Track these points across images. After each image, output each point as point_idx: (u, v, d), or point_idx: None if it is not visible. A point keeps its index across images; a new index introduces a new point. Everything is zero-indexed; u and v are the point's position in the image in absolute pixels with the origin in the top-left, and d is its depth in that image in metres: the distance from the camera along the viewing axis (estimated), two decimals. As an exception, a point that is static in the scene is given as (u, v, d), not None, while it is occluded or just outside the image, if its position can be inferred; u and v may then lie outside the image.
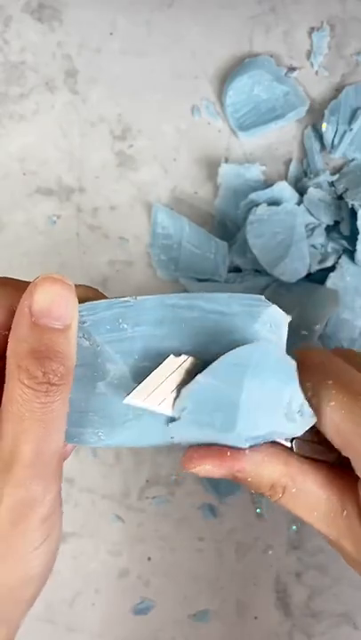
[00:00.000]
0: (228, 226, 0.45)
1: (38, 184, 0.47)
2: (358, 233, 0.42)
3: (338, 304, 0.42)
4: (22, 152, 0.47)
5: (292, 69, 0.46)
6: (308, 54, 0.47)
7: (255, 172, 0.46)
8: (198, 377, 0.25)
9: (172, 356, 0.26)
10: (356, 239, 0.42)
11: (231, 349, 0.26)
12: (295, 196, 0.44)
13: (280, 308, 0.27)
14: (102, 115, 0.47)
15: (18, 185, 0.47)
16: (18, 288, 0.26)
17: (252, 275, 0.44)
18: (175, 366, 0.26)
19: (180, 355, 0.26)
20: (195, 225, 0.45)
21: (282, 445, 0.28)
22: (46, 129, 0.47)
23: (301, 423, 0.27)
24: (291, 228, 0.43)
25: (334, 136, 0.45)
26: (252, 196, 0.44)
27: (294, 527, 0.44)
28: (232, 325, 0.26)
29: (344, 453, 0.27)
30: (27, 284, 0.25)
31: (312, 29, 0.47)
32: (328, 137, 0.45)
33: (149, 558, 0.44)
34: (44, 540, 0.26)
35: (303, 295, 0.42)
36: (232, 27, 0.47)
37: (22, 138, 0.47)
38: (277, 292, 0.43)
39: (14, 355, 0.24)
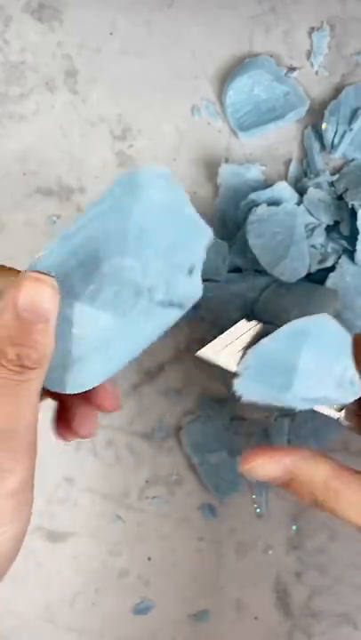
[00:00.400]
0: (228, 226, 0.45)
1: (38, 184, 0.47)
2: (358, 233, 0.42)
3: (338, 304, 0.42)
4: (22, 152, 0.47)
5: (292, 69, 0.46)
6: (308, 54, 0.47)
7: (255, 172, 0.46)
8: (263, 340, 0.29)
9: (244, 320, 0.30)
10: (356, 239, 0.42)
11: (141, 231, 0.26)
12: (295, 196, 0.44)
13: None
14: (102, 115, 0.47)
15: (18, 185, 0.47)
16: (4, 273, 0.29)
17: (252, 275, 0.44)
18: (245, 329, 0.31)
19: (251, 320, 0.30)
20: (195, 225, 0.45)
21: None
22: (46, 129, 0.47)
23: (352, 392, 0.30)
24: (291, 228, 0.43)
25: (334, 136, 0.45)
26: (252, 196, 0.44)
27: (294, 527, 0.44)
28: (127, 210, 0.27)
29: None
30: (14, 271, 0.29)
31: (312, 29, 0.47)
32: (328, 137, 0.45)
33: (149, 558, 0.44)
34: (11, 519, 0.26)
35: (303, 295, 0.42)
36: (232, 27, 0.47)
37: (22, 138, 0.47)
38: (277, 292, 0.43)
39: None
